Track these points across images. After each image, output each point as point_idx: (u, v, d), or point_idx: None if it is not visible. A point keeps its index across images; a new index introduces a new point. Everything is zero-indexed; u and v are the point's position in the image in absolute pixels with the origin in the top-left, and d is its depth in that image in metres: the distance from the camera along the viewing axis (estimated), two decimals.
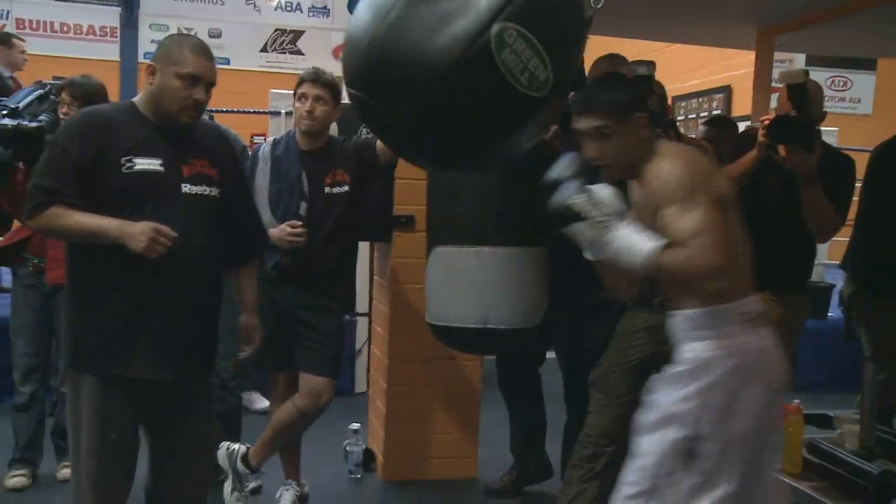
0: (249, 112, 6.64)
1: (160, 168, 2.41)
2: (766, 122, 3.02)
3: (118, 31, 11.10)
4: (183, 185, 2.44)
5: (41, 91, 3.76)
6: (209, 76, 2.46)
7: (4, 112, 3.62)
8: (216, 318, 2.63)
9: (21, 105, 3.69)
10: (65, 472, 3.88)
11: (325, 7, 11.50)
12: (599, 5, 2.20)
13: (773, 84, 5.06)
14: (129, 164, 2.38)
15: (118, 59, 10.96)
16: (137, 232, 2.31)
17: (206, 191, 2.49)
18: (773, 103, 4.27)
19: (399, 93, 2.11)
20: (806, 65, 8.24)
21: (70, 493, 2.57)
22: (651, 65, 2.81)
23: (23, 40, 6.37)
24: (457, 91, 2.06)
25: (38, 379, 3.83)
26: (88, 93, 3.57)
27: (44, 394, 3.87)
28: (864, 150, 4.20)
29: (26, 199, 2.44)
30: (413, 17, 2.05)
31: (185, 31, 10.03)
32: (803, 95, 3.09)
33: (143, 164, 2.39)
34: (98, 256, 2.39)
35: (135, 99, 2.53)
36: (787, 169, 3.05)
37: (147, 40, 10.99)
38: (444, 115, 2.10)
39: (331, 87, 3.32)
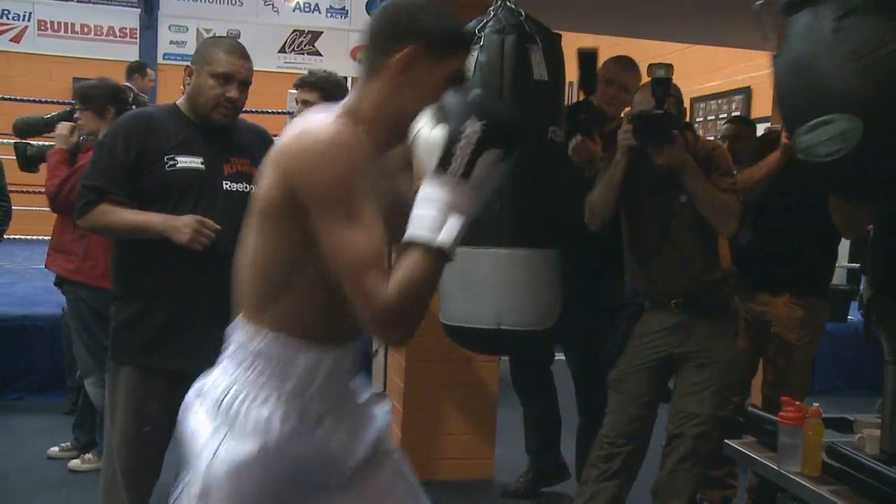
0: (268, 112, 6.67)
1: (201, 166, 2.49)
2: None
3: (138, 32, 11.18)
4: (224, 182, 2.51)
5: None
6: (242, 74, 2.52)
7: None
8: None
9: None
10: (75, 463, 3.93)
11: (343, 8, 11.53)
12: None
13: None
14: (171, 163, 2.46)
15: (138, 59, 11.04)
16: (182, 224, 2.39)
17: (246, 188, 2.52)
18: None
19: None
20: None
21: (98, 483, 2.64)
22: (669, 67, 2.79)
23: (153, 69, 6.73)
24: None
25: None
26: (83, 94, 3.70)
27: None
28: None
29: (76, 200, 2.54)
30: None
31: (203, 32, 10.10)
32: None
33: (185, 161, 2.47)
34: (141, 251, 2.47)
35: (178, 101, 2.60)
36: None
37: (166, 41, 11.07)
38: None
39: (319, 87, 3.33)
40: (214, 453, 1.55)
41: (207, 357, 2.48)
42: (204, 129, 2.53)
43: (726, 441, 2.63)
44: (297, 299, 1.54)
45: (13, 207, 4.33)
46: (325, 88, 3.32)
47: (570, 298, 2.96)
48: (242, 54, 2.54)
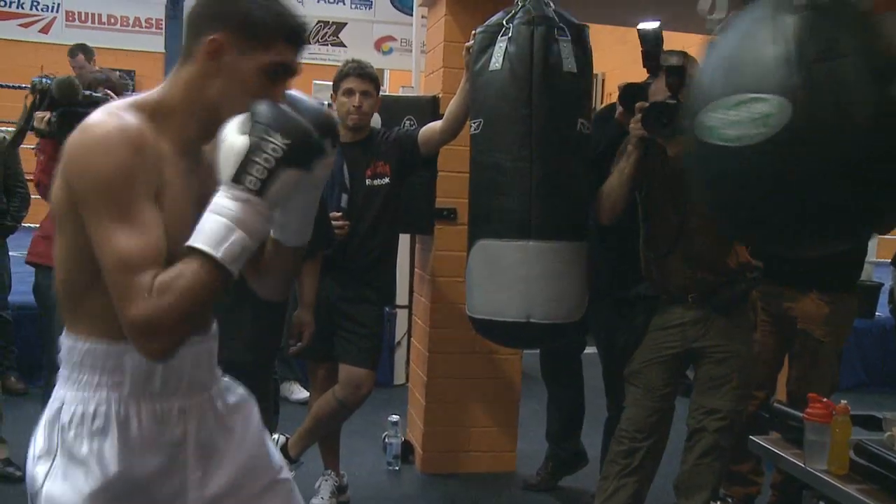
0: None
1: None
2: None
3: (163, 22, 11.23)
4: None
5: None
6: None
7: None
8: (281, 306, 2.66)
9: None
10: None
11: None
12: None
13: None
14: None
15: (164, 50, 11.10)
16: None
17: None
18: None
19: None
20: None
21: None
22: (682, 55, 2.72)
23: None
24: None
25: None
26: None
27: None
28: None
29: None
30: None
31: None
32: None
33: None
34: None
35: None
36: None
37: None
38: None
39: (375, 79, 3.33)
40: (42, 483, 1.45)
41: (230, 347, 2.51)
42: None
43: (751, 437, 2.60)
44: (103, 301, 1.38)
45: (33, 197, 4.27)
46: (376, 79, 3.33)
47: (592, 289, 2.94)
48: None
